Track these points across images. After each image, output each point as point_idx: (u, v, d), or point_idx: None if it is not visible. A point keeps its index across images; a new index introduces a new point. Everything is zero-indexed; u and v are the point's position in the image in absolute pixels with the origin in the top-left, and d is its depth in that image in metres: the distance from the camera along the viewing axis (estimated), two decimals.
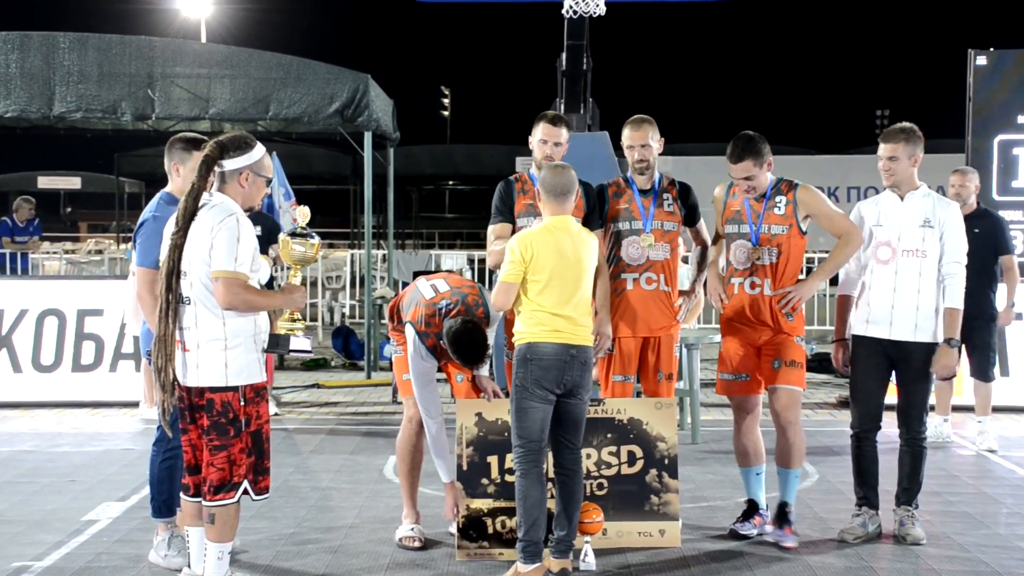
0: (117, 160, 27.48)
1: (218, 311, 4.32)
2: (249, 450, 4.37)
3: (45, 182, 34.70)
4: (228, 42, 24.11)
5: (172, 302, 4.31)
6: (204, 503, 4.37)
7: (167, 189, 5.20)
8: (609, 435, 5.45)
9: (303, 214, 4.81)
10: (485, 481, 5.35)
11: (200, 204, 4.35)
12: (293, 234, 4.71)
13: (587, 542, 5.12)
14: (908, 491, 5.49)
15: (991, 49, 10.21)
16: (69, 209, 43.90)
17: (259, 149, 4.49)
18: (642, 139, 5.57)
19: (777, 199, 5.43)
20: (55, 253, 20.41)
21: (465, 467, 5.37)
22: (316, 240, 4.72)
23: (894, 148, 5.40)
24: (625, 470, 5.45)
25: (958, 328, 5.37)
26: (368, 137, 11.16)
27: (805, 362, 5.51)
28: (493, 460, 5.33)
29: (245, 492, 4.37)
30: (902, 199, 5.43)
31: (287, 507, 6.10)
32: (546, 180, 4.92)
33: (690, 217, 5.70)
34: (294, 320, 4.68)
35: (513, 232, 5.49)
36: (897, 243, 5.39)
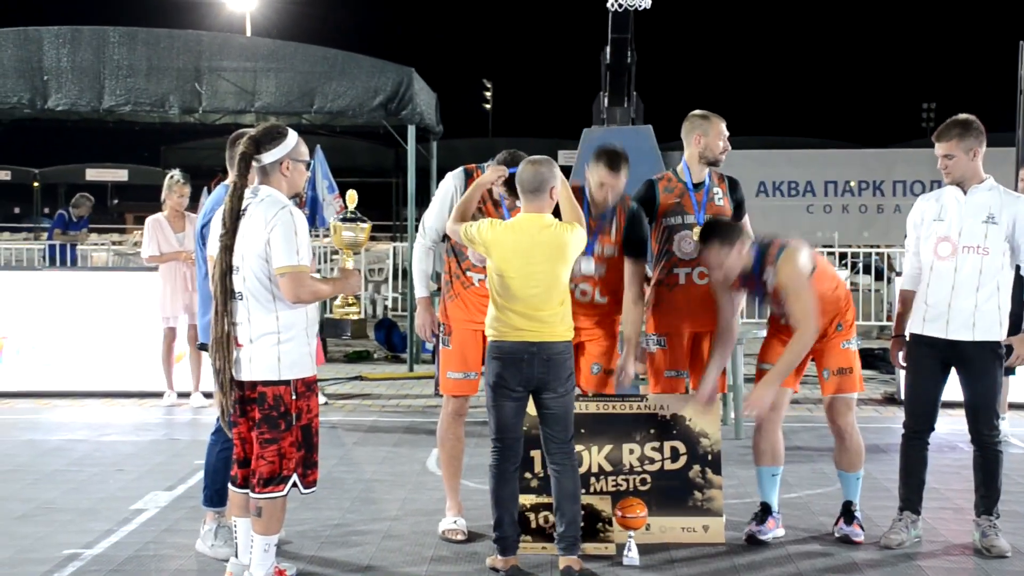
0: (164, 153, 27.79)
1: (270, 305, 4.35)
2: (299, 444, 4.41)
3: (93, 174, 35.21)
4: (273, 36, 24.31)
5: (227, 303, 4.35)
6: (252, 495, 4.42)
7: (229, 182, 5.23)
8: (652, 431, 5.44)
9: (351, 198, 4.84)
10: (528, 475, 5.36)
11: (245, 203, 4.38)
12: (344, 219, 4.74)
13: (631, 536, 5.12)
14: (986, 499, 5.28)
15: None
16: (116, 201, 44.51)
17: (292, 135, 4.51)
18: (726, 132, 5.59)
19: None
20: (103, 244, 20.68)
21: None
22: (366, 224, 4.75)
23: (948, 146, 5.20)
24: (668, 466, 5.43)
25: None
26: (412, 130, 11.19)
27: (856, 363, 5.42)
28: (536, 455, 5.33)
29: (294, 485, 4.42)
30: (965, 192, 5.24)
31: (331, 499, 6.14)
32: (521, 176, 4.86)
33: (737, 212, 5.67)
34: (348, 304, 4.73)
35: None
36: (958, 239, 5.20)
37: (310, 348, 4.47)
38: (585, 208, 5.35)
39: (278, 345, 4.36)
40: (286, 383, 4.38)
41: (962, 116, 5.31)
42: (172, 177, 9.37)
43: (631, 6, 10.62)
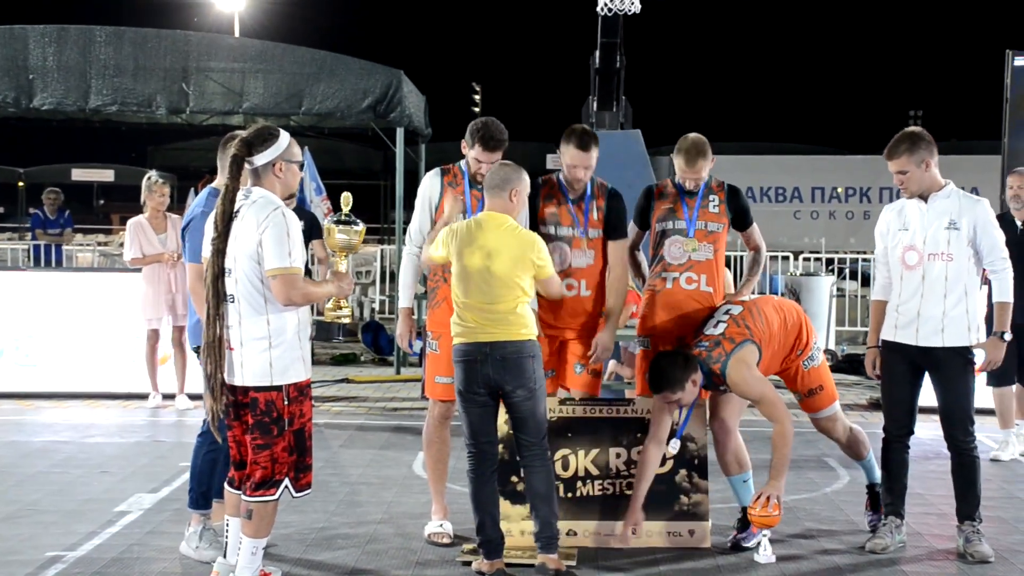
0: (151, 153, 27.65)
1: (262, 309, 4.32)
2: (291, 448, 4.38)
3: (79, 174, 34.97)
4: (261, 37, 24.24)
5: (219, 307, 4.31)
6: (244, 498, 4.40)
7: (216, 184, 5.18)
8: (639, 435, 5.43)
9: (346, 200, 4.80)
10: (515, 479, 5.35)
11: (237, 205, 4.35)
12: (338, 221, 4.71)
13: (765, 535, 5.18)
14: (967, 505, 5.31)
15: None
16: (102, 202, 44.24)
17: (285, 136, 4.48)
18: (695, 173, 5.51)
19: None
20: (88, 245, 20.57)
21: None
22: (360, 227, 4.72)
23: (900, 162, 5.24)
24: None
25: (1007, 321, 5.25)
26: (400, 133, 11.18)
27: (824, 377, 5.46)
28: None
29: (286, 489, 4.40)
30: (926, 201, 5.29)
31: (317, 501, 6.12)
32: (488, 176, 5.02)
33: (739, 220, 5.63)
34: (339, 307, 4.71)
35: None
36: (923, 247, 5.25)
37: (302, 352, 4.43)
38: (564, 193, 5.46)
39: (269, 350, 4.32)
40: (278, 388, 4.34)
41: (908, 130, 5.37)
42: (150, 178, 9.33)
43: (620, 10, 10.65)
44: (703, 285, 5.54)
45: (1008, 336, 5.28)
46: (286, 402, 4.35)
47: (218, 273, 4.31)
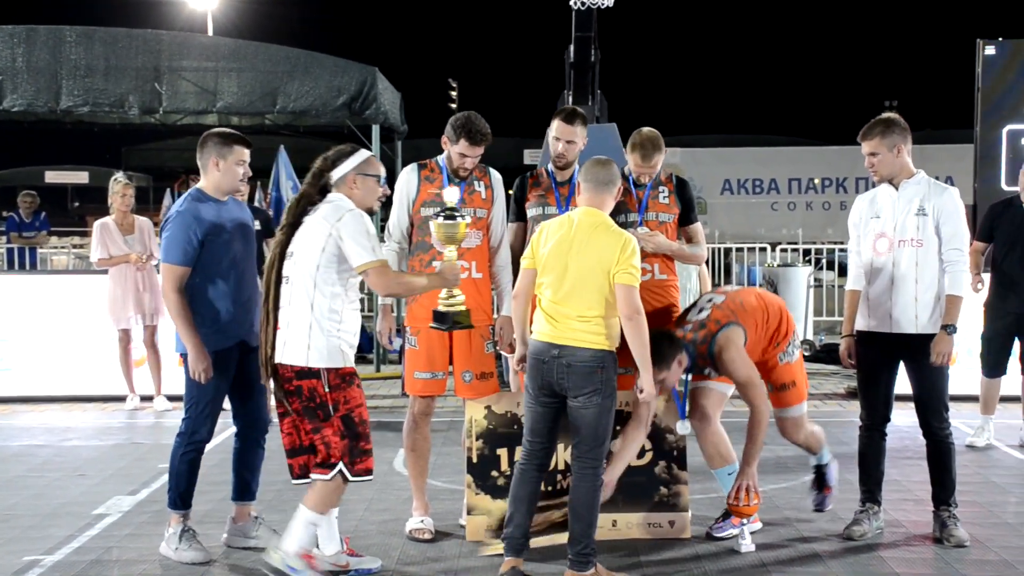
0: (125, 154, 27.44)
1: (310, 293, 4.50)
2: (342, 433, 4.51)
3: (52, 176, 34.67)
4: (234, 35, 24.12)
5: (269, 291, 4.51)
6: (312, 474, 4.59)
7: (199, 185, 5.15)
8: (617, 428, 5.43)
9: (449, 196, 4.90)
10: (495, 473, 5.36)
11: (315, 208, 4.58)
12: (442, 215, 4.79)
13: (745, 524, 5.24)
14: (942, 490, 5.36)
15: (1000, 39, 10.18)
16: (76, 203, 43.90)
17: (362, 152, 4.71)
18: (650, 168, 5.53)
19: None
20: (63, 248, 20.43)
21: (475, 460, 5.38)
22: (461, 220, 4.78)
23: (872, 144, 5.28)
24: (634, 462, 5.44)
25: (956, 316, 5.24)
26: (376, 130, 11.14)
27: (797, 374, 5.46)
28: (503, 453, 5.34)
29: (340, 473, 4.52)
30: (897, 188, 5.33)
31: (297, 499, 6.06)
32: (584, 171, 4.94)
33: (687, 212, 5.62)
34: (452, 296, 4.79)
35: (525, 230, 5.56)
36: (893, 233, 5.29)
37: (341, 341, 4.54)
38: (551, 177, 5.57)
39: (309, 332, 4.48)
40: (316, 374, 4.48)
41: (885, 115, 5.41)
42: (116, 180, 9.31)
43: (594, 4, 10.66)
44: (657, 274, 5.55)
45: (954, 329, 5.23)
46: (327, 388, 4.49)
47: (273, 263, 4.53)
